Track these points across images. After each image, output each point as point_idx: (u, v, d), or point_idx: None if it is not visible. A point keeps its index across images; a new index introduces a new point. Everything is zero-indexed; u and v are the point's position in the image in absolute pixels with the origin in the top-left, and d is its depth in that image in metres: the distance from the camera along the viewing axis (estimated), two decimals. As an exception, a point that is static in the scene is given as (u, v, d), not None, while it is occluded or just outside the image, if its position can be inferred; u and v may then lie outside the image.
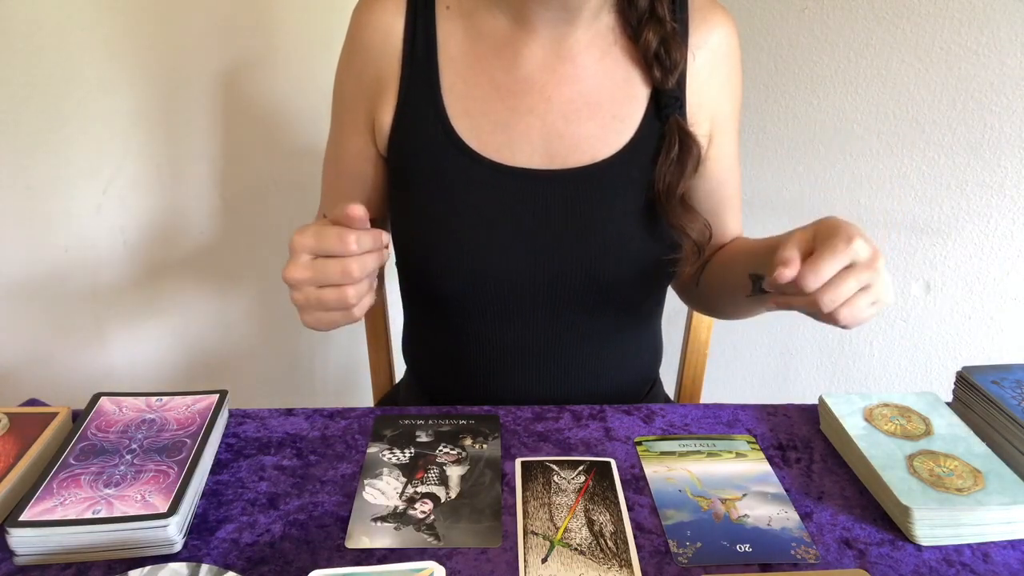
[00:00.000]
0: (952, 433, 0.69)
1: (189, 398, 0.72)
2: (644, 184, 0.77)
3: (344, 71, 0.82)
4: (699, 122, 0.79)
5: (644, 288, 0.81)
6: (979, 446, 0.67)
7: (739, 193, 0.87)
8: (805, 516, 0.62)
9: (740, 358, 1.58)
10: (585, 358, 0.83)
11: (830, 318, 0.61)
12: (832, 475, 0.68)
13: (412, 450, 0.69)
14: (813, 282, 0.58)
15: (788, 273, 0.59)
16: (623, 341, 0.85)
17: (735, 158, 0.84)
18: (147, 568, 0.53)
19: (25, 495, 0.58)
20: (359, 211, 0.59)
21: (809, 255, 0.60)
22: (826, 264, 0.58)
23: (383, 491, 0.64)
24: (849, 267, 0.59)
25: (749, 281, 0.71)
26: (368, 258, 0.60)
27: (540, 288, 0.77)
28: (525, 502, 0.63)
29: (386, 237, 0.62)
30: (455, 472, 0.66)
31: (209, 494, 0.64)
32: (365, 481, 0.65)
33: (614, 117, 0.77)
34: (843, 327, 0.62)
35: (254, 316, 1.37)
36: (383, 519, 0.61)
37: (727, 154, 0.83)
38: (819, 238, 0.61)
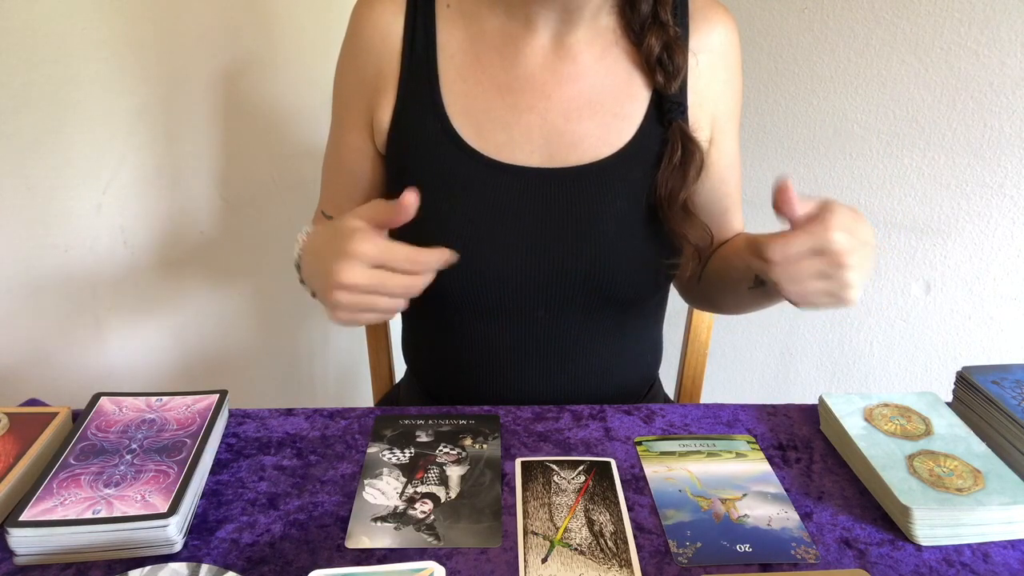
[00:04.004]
0: (952, 433, 0.69)
1: (189, 398, 0.72)
2: (645, 185, 0.76)
3: (344, 69, 0.82)
4: (700, 123, 0.79)
5: (644, 288, 0.81)
6: (979, 446, 0.67)
7: (739, 191, 0.87)
8: (805, 516, 0.62)
9: (740, 358, 1.58)
10: (585, 358, 0.83)
11: (782, 290, 0.63)
12: (832, 475, 0.68)
13: (412, 450, 0.69)
14: (777, 253, 0.61)
15: (784, 201, 0.62)
16: (623, 341, 0.85)
17: (736, 157, 0.84)
18: (147, 568, 0.53)
19: (25, 495, 0.58)
20: (412, 198, 0.61)
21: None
22: (795, 242, 0.61)
23: (383, 491, 0.64)
24: (820, 252, 0.61)
25: (751, 275, 0.71)
26: (429, 275, 0.62)
27: (540, 287, 0.77)
28: (525, 502, 0.63)
29: (451, 255, 0.62)
30: (455, 472, 0.66)
31: (209, 494, 0.64)
32: (365, 481, 0.65)
33: (615, 116, 0.77)
34: (793, 303, 0.64)
35: (254, 316, 1.37)
36: (383, 519, 0.61)
37: (728, 153, 0.83)
38: (816, 213, 0.62)
